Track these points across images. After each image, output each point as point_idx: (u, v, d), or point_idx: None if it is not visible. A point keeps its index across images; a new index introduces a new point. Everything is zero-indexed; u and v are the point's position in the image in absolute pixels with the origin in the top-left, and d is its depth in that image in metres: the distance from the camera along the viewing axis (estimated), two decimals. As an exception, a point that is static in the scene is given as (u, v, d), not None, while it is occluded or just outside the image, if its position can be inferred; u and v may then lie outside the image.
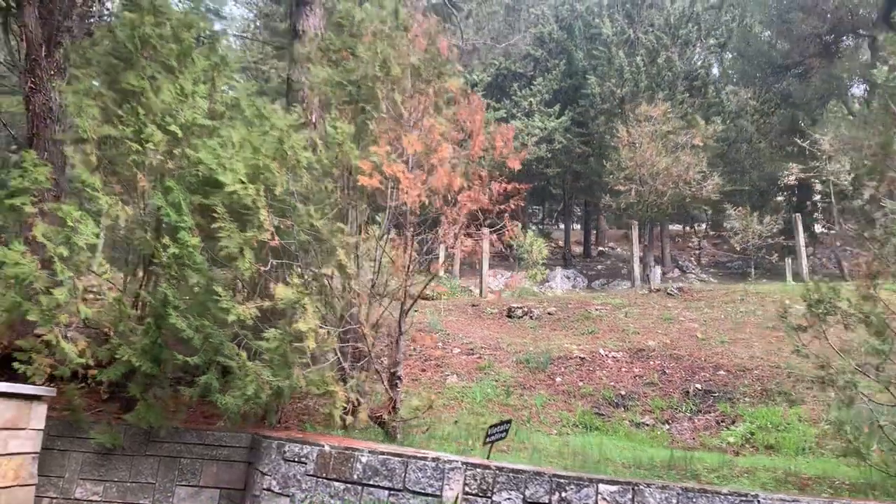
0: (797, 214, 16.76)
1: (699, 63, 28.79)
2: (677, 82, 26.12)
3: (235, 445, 6.85)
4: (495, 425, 4.68)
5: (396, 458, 4.09)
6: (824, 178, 20.36)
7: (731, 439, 6.71)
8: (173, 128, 6.30)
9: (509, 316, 11.64)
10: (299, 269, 5.68)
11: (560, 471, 3.92)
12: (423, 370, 8.94)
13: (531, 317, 11.56)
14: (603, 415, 7.62)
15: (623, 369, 8.79)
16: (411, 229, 5.65)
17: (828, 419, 6.88)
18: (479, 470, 3.81)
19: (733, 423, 7.22)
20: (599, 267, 30.11)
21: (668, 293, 12.29)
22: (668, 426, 7.32)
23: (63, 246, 5.62)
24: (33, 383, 6.05)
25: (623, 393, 8.14)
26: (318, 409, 7.54)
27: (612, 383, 8.39)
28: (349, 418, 5.94)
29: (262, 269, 5.49)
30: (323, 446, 4.57)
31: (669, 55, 26.52)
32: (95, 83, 7.40)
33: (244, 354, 5.50)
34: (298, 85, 9.19)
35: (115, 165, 6.81)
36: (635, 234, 16.50)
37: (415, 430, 5.94)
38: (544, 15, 34.35)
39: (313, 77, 6.30)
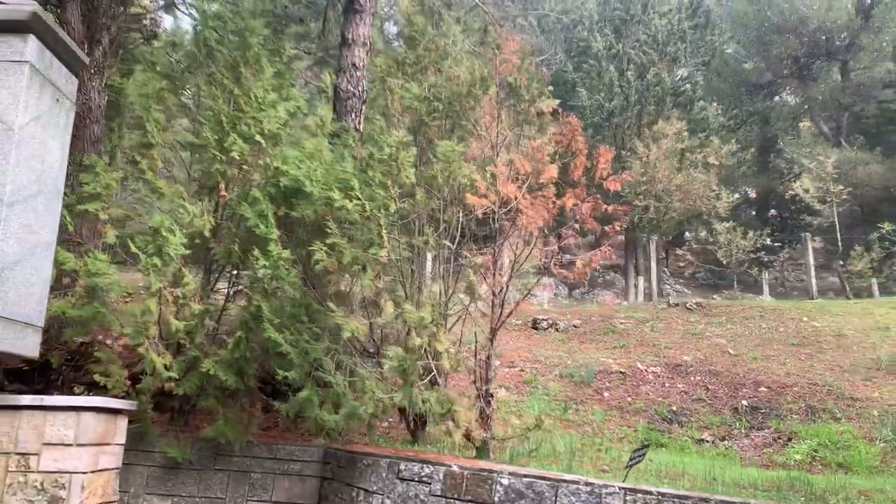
0: (807, 234, 17.25)
1: (685, 80, 29.45)
2: (666, 98, 26.65)
3: (307, 460, 6.73)
4: (637, 449, 4.68)
5: (544, 482, 4.05)
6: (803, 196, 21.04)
7: (798, 457, 6.87)
8: (258, 137, 6.16)
9: (535, 328, 11.71)
10: (403, 286, 5.61)
11: (725, 496, 3.91)
12: (473, 381, 8.88)
13: (557, 329, 11.64)
14: (661, 431, 7.74)
15: (666, 384, 8.93)
16: (508, 249, 5.65)
17: (882, 437, 7.11)
18: (639, 495, 3.81)
19: (789, 440, 7.40)
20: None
21: (687, 308, 12.54)
22: (726, 443, 7.47)
23: (156, 256, 5.44)
24: (114, 396, 5.84)
25: (674, 409, 8.28)
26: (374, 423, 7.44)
27: (660, 399, 8.52)
28: (439, 435, 5.89)
29: (378, 285, 5.42)
30: (450, 466, 4.50)
31: (658, 70, 27.06)
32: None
33: (363, 372, 5.40)
34: (346, 94, 9.10)
35: (191, 172, 6.64)
36: (653, 247, 16.78)
37: (504, 448, 5.92)
38: (531, 26, 34.70)
39: (403, 91, 6.22)
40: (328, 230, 5.37)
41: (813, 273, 16.06)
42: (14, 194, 4.80)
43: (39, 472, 5.03)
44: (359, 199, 5.37)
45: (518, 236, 5.59)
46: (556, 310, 13.27)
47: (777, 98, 39.05)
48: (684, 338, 10.86)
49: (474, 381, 5.85)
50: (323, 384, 5.57)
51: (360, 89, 9.08)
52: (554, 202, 5.36)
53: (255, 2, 7.57)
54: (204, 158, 6.28)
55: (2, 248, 4.69)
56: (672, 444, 7.36)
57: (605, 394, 8.65)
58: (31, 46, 4.93)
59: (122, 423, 5.71)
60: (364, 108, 9.05)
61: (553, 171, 5.51)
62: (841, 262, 16.20)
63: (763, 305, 12.68)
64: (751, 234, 23.48)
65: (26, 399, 5.11)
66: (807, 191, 17.85)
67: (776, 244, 25.07)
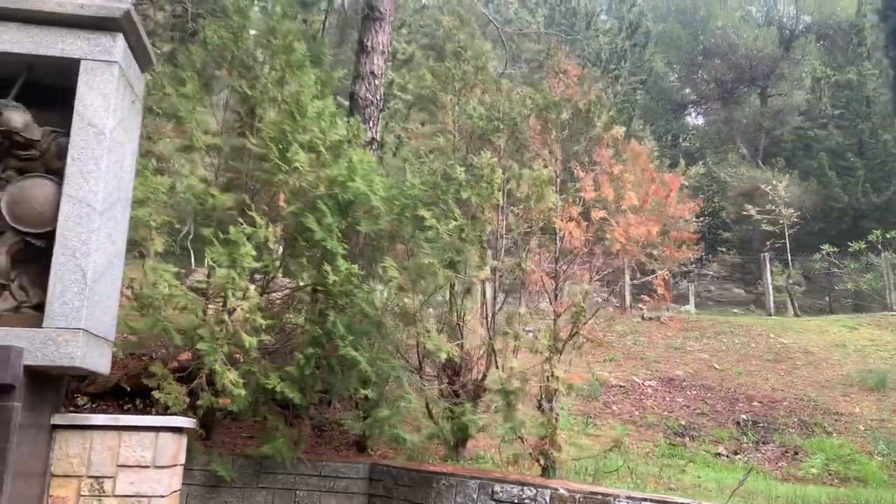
0: (764, 254, 18.29)
1: (624, 98, 30.60)
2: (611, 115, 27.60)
3: (353, 477, 6.61)
4: (746, 474, 4.87)
5: (664, 506, 4.19)
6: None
7: (814, 471, 7.37)
8: (321, 149, 6.00)
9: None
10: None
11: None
12: (539, 401, 8.90)
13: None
14: (677, 445, 8.10)
15: (667, 399, 9.34)
16: (590, 274, 5.78)
17: (878, 451, 7.72)
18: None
19: (796, 454, 7.92)
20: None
21: (661, 321, 13.12)
22: (739, 456, 7.90)
23: (233, 270, 5.20)
24: (172, 413, 5.58)
25: (683, 423, 8.68)
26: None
27: (666, 413, 8.90)
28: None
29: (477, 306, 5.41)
30: (556, 489, 4.56)
31: (603, 87, 27.91)
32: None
33: (431, 392, 5.36)
34: (365, 102, 9.01)
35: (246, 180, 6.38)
36: (626, 260, 17.18)
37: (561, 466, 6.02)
38: (424, 25, 35.06)
39: (466, 110, 6.22)
40: (416, 248, 5.32)
41: (770, 291, 17.16)
42: (104, 202, 4.52)
43: (115, 496, 4.73)
44: (455, 219, 5.35)
45: (593, 260, 5.75)
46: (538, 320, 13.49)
47: (702, 119, 41.29)
48: (668, 352, 11.37)
49: (539, 401, 5.95)
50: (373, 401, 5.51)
51: (377, 97, 9.02)
52: (648, 229, 5.57)
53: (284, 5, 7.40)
54: (263, 167, 6.06)
55: (94, 260, 4.41)
56: (692, 457, 7.73)
57: (614, 408, 8.97)
58: (119, 46, 4.66)
59: (184, 442, 5.46)
60: (381, 116, 9.00)
61: (633, 198, 5.72)
62: (791, 281, 17.37)
63: (731, 321, 13.47)
64: (684, 247, 24.72)
65: (100, 419, 4.80)
66: (761, 212, 19.00)
67: (707, 259, 26.50)
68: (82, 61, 4.57)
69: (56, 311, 4.24)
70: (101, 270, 4.54)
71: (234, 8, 7.07)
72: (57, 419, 4.70)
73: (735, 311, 18.36)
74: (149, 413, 6.68)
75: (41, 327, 4.28)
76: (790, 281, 16.91)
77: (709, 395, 9.63)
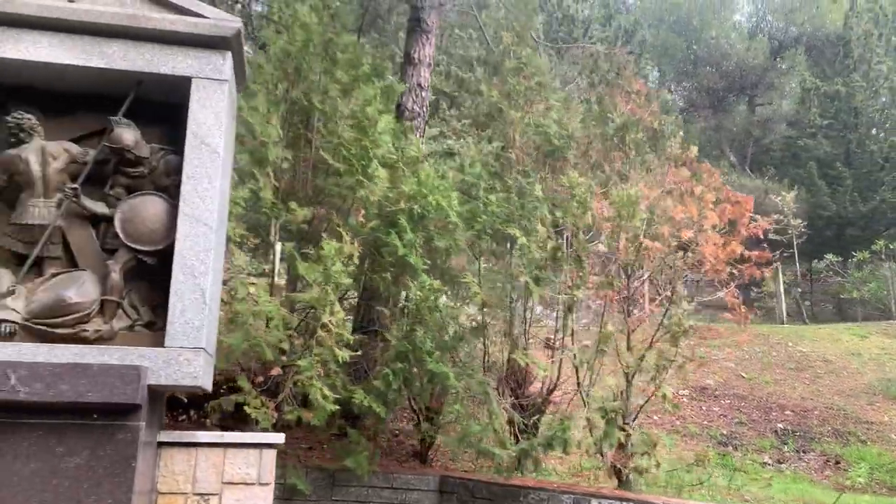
0: (777, 263, 18.55)
1: (620, 105, 30.99)
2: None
3: (424, 489, 6.67)
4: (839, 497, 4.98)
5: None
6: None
7: (861, 480, 7.60)
8: (400, 164, 6.07)
9: (547, 347, 11.96)
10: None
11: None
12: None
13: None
14: (723, 454, 8.28)
15: (703, 408, 9.54)
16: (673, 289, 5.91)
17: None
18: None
19: (837, 463, 8.15)
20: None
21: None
22: (784, 465, 8.10)
23: (328, 285, 5.23)
24: (263, 429, 5.60)
25: (724, 432, 8.87)
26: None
27: (706, 422, 9.09)
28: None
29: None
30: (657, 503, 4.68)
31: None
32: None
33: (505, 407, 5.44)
34: (412, 114, 9.07)
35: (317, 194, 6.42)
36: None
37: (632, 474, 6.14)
38: (472, 38, 35.24)
39: (539, 125, 6.32)
40: (496, 264, 5.41)
41: (783, 299, 17.51)
42: (218, 221, 4.55)
43: (222, 514, 4.76)
44: (551, 238, 5.45)
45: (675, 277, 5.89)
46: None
47: (691, 125, 41.86)
48: (694, 360, 11.51)
49: (624, 416, 6.06)
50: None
51: (424, 109, 9.09)
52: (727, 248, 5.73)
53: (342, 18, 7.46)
54: (340, 183, 6.09)
55: (214, 279, 4.44)
56: (743, 467, 7.91)
57: (655, 417, 9.12)
58: (228, 64, 4.70)
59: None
60: (426, 127, 9.07)
61: (715, 217, 5.86)
62: (800, 290, 17.74)
63: (748, 330, 13.69)
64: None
65: (205, 436, 4.82)
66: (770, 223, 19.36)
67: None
68: (194, 79, 4.59)
69: (178, 330, 4.25)
70: (216, 288, 4.58)
71: (298, 22, 7.10)
72: (163, 436, 4.71)
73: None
74: (204, 424, 6.70)
75: (163, 346, 4.30)
76: (799, 290, 17.29)
77: (742, 404, 9.85)
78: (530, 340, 6.58)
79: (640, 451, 5.59)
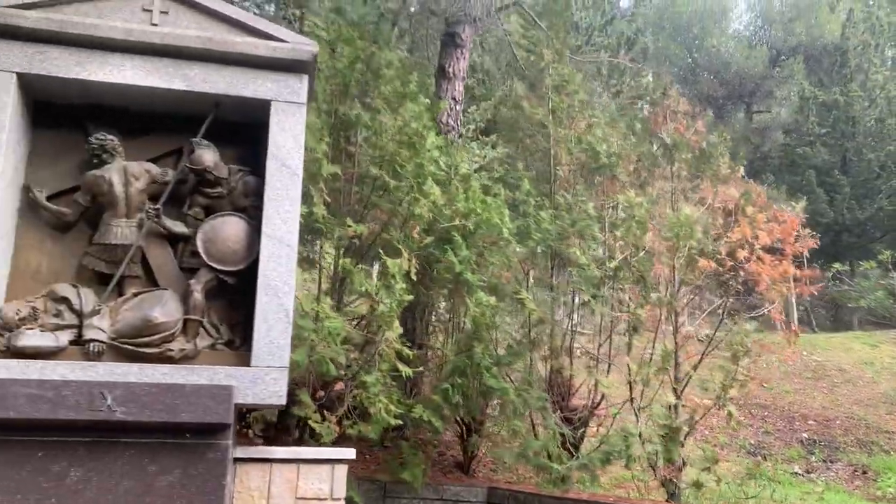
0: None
1: (622, 112, 31.22)
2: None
3: (473, 500, 6.77)
4: None
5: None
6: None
7: (892, 490, 7.77)
8: (455, 182, 6.16)
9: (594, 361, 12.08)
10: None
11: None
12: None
13: (591, 357, 12.12)
14: (753, 463, 8.42)
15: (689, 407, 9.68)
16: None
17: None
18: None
19: (864, 473, 8.32)
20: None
21: (698, 339, 13.41)
22: (813, 475, 8.26)
23: (393, 301, 5.32)
24: (326, 444, 5.69)
25: (752, 442, 9.03)
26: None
27: (731, 431, 9.25)
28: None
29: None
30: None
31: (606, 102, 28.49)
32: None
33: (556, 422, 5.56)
34: (447, 128, 9.17)
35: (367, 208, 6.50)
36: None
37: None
38: (475, 44, 35.39)
39: (589, 143, 6.44)
40: (583, 286, 5.52)
41: (795, 308, 17.78)
42: (297, 239, 4.64)
43: (296, 529, 4.83)
44: (612, 258, 5.57)
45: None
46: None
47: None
48: (714, 370, 11.68)
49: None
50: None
51: (458, 123, 9.20)
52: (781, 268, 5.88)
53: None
54: (392, 199, 6.18)
55: (294, 296, 4.53)
56: (776, 477, 8.06)
57: (685, 427, 9.23)
58: (304, 88, 4.79)
59: (339, 473, 5.55)
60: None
61: (766, 237, 6.02)
62: (808, 299, 17.98)
63: (762, 339, 13.82)
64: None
65: (279, 452, 4.88)
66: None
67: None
68: (273, 102, 4.68)
69: (263, 349, 4.33)
70: (291, 304, 4.65)
71: (343, 38, 7.20)
72: (238, 452, 4.77)
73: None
74: (246, 435, 6.76)
75: (244, 365, 4.38)
76: (808, 299, 17.53)
77: (766, 413, 10.02)
78: (577, 356, 6.69)
79: (701, 466, 5.72)
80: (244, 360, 4.43)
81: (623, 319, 6.07)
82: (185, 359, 4.34)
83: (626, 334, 6.25)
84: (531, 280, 6.38)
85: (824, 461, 8.92)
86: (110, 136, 4.54)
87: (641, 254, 5.88)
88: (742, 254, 5.93)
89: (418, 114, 6.85)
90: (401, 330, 5.71)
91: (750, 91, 35.02)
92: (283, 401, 4.33)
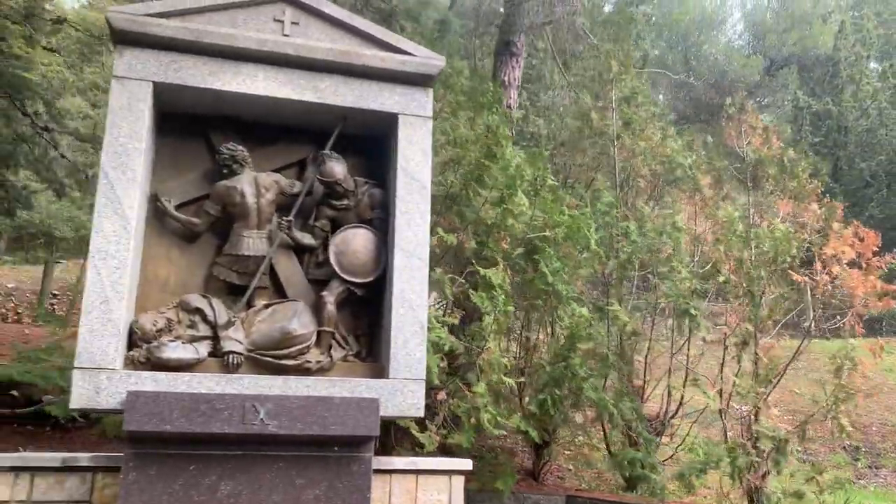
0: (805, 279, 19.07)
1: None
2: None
3: None
4: None
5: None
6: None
7: None
8: (545, 193, 6.21)
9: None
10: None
11: None
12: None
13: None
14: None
15: (771, 423, 9.85)
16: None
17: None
18: None
19: None
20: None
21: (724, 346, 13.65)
22: (863, 482, 8.45)
23: (501, 314, 5.35)
24: (429, 453, 5.70)
25: (799, 449, 9.18)
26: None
27: (844, 440, 9.41)
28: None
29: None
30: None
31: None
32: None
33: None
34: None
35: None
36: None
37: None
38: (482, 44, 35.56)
39: (671, 156, 6.54)
40: (687, 303, 5.59)
41: (811, 314, 18.09)
42: (428, 252, 4.64)
43: (416, 539, 4.85)
44: (718, 271, 5.67)
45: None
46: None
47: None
48: (861, 393, 11.89)
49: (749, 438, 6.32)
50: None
51: (513, 132, 9.25)
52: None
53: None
54: (481, 210, 6.21)
55: (427, 309, 4.55)
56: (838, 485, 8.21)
57: (729, 433, 9.39)
58: (430, 101, 4.81)
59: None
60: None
61: (851, 252, 6.15)
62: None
63: (782, 345, 14.08)
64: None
65: (400, 462, 4.89)
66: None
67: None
68: (400, 116, 4.69)
69: (400, 362, 4.34)
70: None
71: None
72: (360, 464, 4.78)
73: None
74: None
75: (376, 376, 4.40)
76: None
77: (802, 419, 10.18)
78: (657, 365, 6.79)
79: (805, 476, 5.85)
80: (376, 371, 4.45)
81: (723, 332, 6.17)
82: (321, 371, 4.34)
83: (720, 345, 6.34)
84: (621, 291, 6.44)
85: (870, 467, 9.12)
86: (240, 147, 4.53)
87: (747, 267, 5.98)
88: (836, 268, 6.07)
89: (496, 123, 6.88)
90: (497, 342, 5.74)
91: (746, 99, 35.54)
92: (422, 413, 4.35)
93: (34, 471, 4.20)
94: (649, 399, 7.02)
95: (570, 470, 7.38)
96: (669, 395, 6.71)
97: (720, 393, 6.40)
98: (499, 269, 5.73)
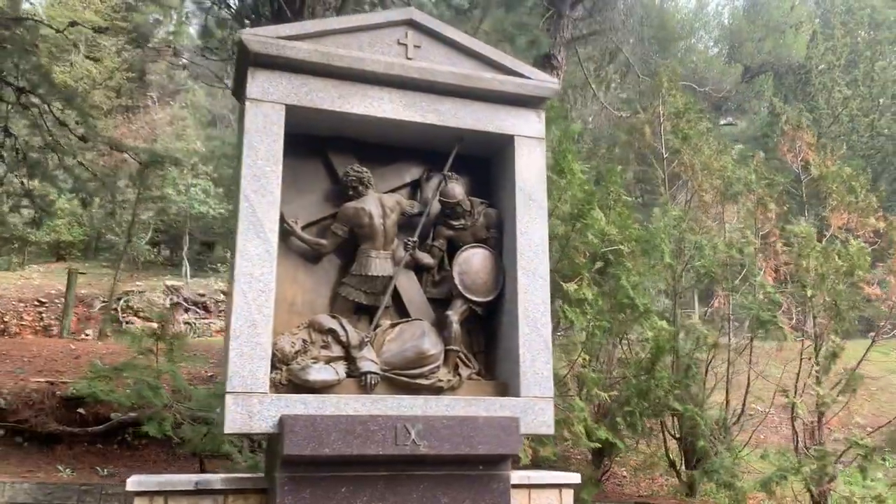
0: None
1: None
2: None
3: None
4: None
5: None
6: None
7: None
8: (620, 209, 6.36)
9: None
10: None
11: None
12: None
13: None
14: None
15: (786, 426, 10.20)
16: None
17: None
18: None
19: None
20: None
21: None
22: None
23: (595, 329, 5.46)
24: (525, 466, 5.80)
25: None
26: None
27: (809, 440, 9.72)
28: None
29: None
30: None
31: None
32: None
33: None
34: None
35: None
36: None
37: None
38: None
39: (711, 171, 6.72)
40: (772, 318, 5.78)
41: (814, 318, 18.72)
42: (548, 271, 4.74)
43: (529, 552, 4.94)
44: (804, 286, 5.87)
45: None
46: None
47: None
48: (758, 379, 12.25)
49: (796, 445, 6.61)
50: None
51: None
52: None
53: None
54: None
55: (550, 327, 4.65)
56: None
57: (795, 440, 9.68)
58: (543, 122, 4.92)
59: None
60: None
61: None
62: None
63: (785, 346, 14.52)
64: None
65: (514, 477, 4.97)
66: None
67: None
68: (516, 137, 4.79)
69: (529, 380, 4.43)
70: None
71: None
72: (476, 479, 4.85)
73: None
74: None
75: (506, 395, 4.48)
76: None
77: (825, 421, 10.55)
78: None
79: (887, 483, 6.10)
80: (500, 389, 4.54)
81: (802, 341, 6.40)
82: (451, 389, 4.41)
83: (827, 360, 6.57)
84: (695, 304, 6.64)
85: (896, 467, 9.52)
86: (365, 169, 4.58)
87: (831, 281, 6.23)
88: (903, 282, 6.40)
89: (561, 136, 7.01)
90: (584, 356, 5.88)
91: (719, 105, 36.41)
92: (552, 430, 4.45)
93: (168, 494, 4.19)
94: (709, 407, 7.22)
95: (625, 476, 7.56)
96: (728, 402, 6.93)
97: (794, 400, 6.64)
98: (582, 283, 5.86)
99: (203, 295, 20.52)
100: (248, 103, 4.23)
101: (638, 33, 21.35)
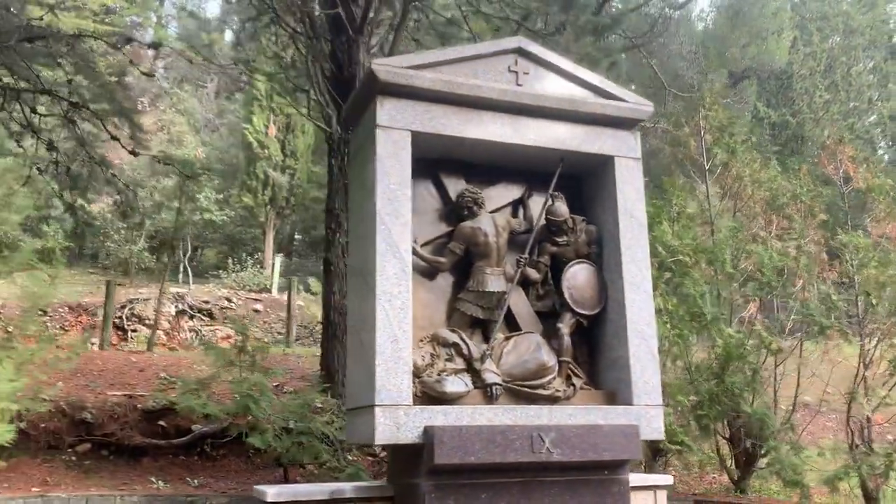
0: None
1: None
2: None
3: None
4: None
5: None
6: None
7: None
8: (684, 221, 6.67)
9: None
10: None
11: None
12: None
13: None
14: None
15: (825, 426, 10.59)
16: None
17: None
18: None
19: None
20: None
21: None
22: None
23: (676, 337, 5.75)
24: None
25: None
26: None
27: (829, 437, 10.14)
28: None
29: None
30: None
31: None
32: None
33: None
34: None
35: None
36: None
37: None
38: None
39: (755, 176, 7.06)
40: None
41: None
42: (652, 286, 5.00)
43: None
44: (868, 294, 6.21)
45: None
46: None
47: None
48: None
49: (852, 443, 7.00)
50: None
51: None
52: None
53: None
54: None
55: (656, 338, 4.92)
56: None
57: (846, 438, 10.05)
58: (639, 143, 5.19)
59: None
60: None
61: None
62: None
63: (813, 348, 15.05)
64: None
65: None
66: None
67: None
68: (615, 158, 5.06)
69: (640, 389, 4.70)
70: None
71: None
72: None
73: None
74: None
75: (614, 404, 4.74)
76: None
77: (851, 419, 10.99)
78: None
79: None
80: (608, 398, 4.80)
81: (862, 345, 6.77)
82: (566, 399, 4.66)
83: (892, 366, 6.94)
84: (755, 312, 6.97)
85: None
86: (479, 190, 4.82)
87: (893, 291, 6.61)
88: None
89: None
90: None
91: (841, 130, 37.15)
92: (663, 435, 4.73)
93: (304, 504, 4.38)
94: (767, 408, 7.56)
95: (674, 475, 7.85)
96: (775, 402, 7.29)
97: (861, 401, 7.03)
98: (656, 294, 6.14)
99: (207, 302, 20.42)
100: (378, 130, 4.44)
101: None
